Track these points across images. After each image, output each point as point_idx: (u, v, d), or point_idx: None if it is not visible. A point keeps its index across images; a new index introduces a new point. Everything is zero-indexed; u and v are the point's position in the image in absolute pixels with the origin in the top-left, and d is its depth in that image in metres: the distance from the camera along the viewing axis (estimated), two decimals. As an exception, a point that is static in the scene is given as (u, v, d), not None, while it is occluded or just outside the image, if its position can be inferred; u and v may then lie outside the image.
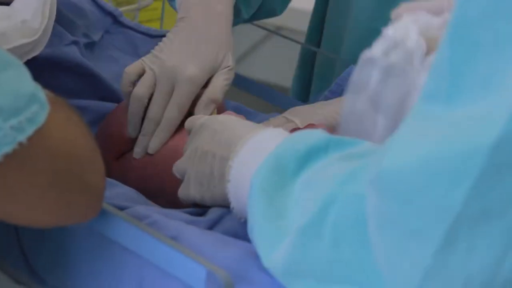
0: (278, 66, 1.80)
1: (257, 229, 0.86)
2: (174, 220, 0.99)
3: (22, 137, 0.78)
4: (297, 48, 1.64)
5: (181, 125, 1.21)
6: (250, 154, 0.94)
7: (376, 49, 0.94)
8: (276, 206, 0.84)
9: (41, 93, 0.82)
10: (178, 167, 1.07)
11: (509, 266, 0.66)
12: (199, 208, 1.09)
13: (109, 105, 1.34)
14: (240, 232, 1.02)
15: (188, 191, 1.04)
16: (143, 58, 1.24)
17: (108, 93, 1.37)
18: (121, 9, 1.60)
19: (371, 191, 0.73)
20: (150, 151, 1.20)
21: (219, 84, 1.22)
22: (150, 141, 1.20)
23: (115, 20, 1.49)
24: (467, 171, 0.64)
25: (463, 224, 0.66)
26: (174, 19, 1.35)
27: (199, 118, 1.08)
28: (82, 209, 0.90)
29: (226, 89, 1.23)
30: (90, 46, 1.42)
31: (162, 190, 1.17)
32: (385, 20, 1.42)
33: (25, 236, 1.02)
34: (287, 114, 1.24)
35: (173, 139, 1.21)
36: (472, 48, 0.65)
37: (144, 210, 1.01)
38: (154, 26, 1.63)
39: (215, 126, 1.02)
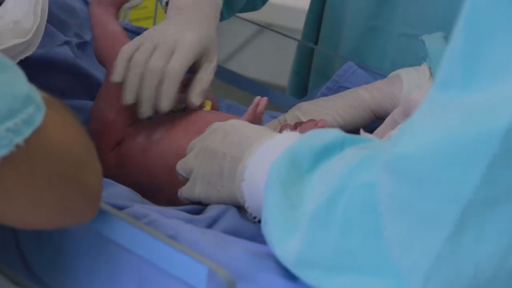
0: (268, 63, 1.80)
1: (271, 220, 0.86)
2: (173, 219, 0.98)
3: (19, 139, 0.77)
4: (287, 46, 1.63)
5: (178, 121, 1.20)
6: (266, 155, 0.93)
7: None
8: (290, 198, 0.84)
9: (37, 94, 0.80)
10: (183, 165, 1.06)
11: None
12: (196, 206, 1.08)
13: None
14: (240, 230, 1.01)
15: (193, 190, 1.04)
16: (139, 36, 1.22)
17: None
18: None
19: (384, 176, 0.73)
20: (162, 109, 1.18)
21: (207, 77, 1.22)
22: (159, 101, 1.18)
23: None
24: (480, 156, 0.64)
25: (473, 210, 0.66)
26: None
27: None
28: (80, 210, 0.89)
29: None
30: (82, 46, 1.41)
31: (160, 182, 1.17)
32: (383, 18, 1.43)
33: (23, 237, 1.01)
34: (297, 112, 1.24)
35: (171, 130, 1.20)
36: (486, 35, 0.65)
37: (142, 209, 1.00)
38: (144, 25, 1.62)
39: (225, 128, 1.03)
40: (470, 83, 0.66)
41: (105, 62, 1.26)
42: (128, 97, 1.18)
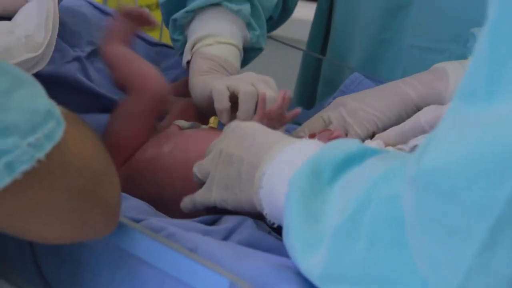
0: (273, 73, 1.80)
1: (293, 232, 0.85)
2: (191, 232, 0.98)
3: (41, 154, 0.77)
4: (290, 55, 1.63)
5: (186, 136, 1.20)
6: (285, 162, 0.93)
7: None
8: (313, 210, 0.83)
9: (57, 110, 0.80)
10: (200, 167, 1.06)
11: None
12: (210, 216, 1.07)
13: (105, 117, 1.31)
14: (256, 241, 1.01)
15: (209, 193, 1.03)
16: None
17: (106, 105, 1.36)
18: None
19: (410, 189, 0.72)
20: None
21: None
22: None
23: None
24: (510, 169, 0.64)
25: (505, 223, 0.65)
26: None
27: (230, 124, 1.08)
28: (99, 224, 0.88)
29: None
30: (94, 52, 1.41)
31: (170, 195, 1.16)
32: (394, 30, 1.44)
33: (41, 251, 1.00)
34: (343, 111, 1.23)
35: (184, 143, 1.19)
36: None
37: (159, 222, 0.99)
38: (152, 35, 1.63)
39: (243, 132, 1.03)
40: (495, 94, 0.65)
41: (124, 89, 1.25)
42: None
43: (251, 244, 1.00)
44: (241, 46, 1.33)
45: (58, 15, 1.20)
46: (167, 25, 1.39)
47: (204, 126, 1.27)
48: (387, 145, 1.05)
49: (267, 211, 0.96)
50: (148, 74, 1.23)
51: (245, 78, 1.19)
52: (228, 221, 1.04)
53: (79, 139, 0.83)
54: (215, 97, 1.19)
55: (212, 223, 1.07)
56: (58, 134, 0.79)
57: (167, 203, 1.16)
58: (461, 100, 0.69)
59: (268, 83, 1.19)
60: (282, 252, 0.99)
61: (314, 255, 0.81)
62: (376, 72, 1.41)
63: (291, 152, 0.94)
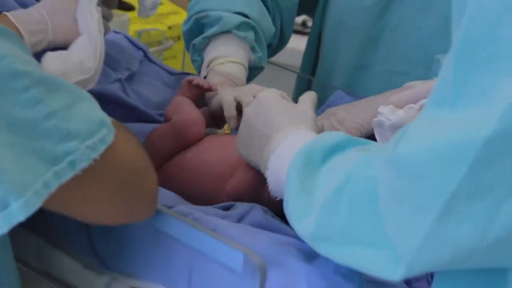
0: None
1: (291, 203, 0.86)
2: (211, 216, 0.97)
3: (96, 155, 0.77)
4: (286, 78, 1.63)
5: (206, 141, 1.20)
6: (288, 149, 0.92)
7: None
8: (306, 186, 0.84)
9: (108, 119, 0.81)
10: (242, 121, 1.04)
11: (493, 235, 0.66)
12: (225, 203, 1.07)
13: (141, 125, 1.32)
14: (264, 223, 1.00)
15: (239, 145, 1.03)
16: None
17: (142, 117, 1.35)
18: (150, 49, 1.59)
19: (385, 171, 0.73)
20: None
21: None
22: None
23: (145, 54, 1.48)
24: (464, 158, 0.65)
25: (457, 200, 0.66)
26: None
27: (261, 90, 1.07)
28: (141, 210, 0.88)
29: None
30: (131, 77, 1.41)
31: (196, 192, 1.15)
32: (368, 58, 1.44)
33: (94, 230, 1.00)
34: (333, 119, 1.22)
35: (201, 149, 1.18)
36: (472, 65, 0.66)
37: (186, 208, 0.99)
38: (173, 61, 1.62)
39: (260, 102, 1.01)
40: (459, 103, 0.67)
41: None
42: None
43: (259, 225, 0.99)
44: (247, 65, 1.34)
45: (104, 46, 1.20)
46: (188, 49, 1.40)
47: (219, 131, 1.26)
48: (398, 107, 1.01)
49: (271, 187, 0.95)
50: (191, 120, 1.20)
51: (250, 89, 1.19)
52: (240, 208, 1.03)
53: (125, 142, 0.84)
54: (225, 106, 1.19)
55: (227, 209, 1.06)
56: (109, 139, 0.79)
57: (192, 197, 1.15)
58: (431, 105, 0.70)
59: None
60: (284, 232, 1.00)
61: (306, 219, 0.82)
62: (356, 91, 1.41)
63: (294, 141, 0.93)
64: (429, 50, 1.33)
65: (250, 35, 1.33)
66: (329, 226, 0.80)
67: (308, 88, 1.58)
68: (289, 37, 1.53)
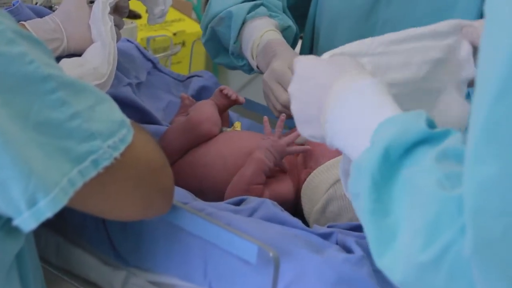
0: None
1: (365, 220, 0.70)
2: (224, 211, 0.98)
3: (117, 153, 0.77)
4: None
5: (221, 136, 1.20)
6: (346, 110, 0.79)
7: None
8: (383, 201, 0.70)
9: (127, 120, 0.81)
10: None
11: None
12: (236, 198, 1.07)
13: (153, 127, 1.33)
14: (273, 217, 1.01)
15: (293, 106, 0.86)
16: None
17: (151, 120, 1.35)
18: (158, 55, 1.60)
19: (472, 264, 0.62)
20: None
21: None
22: None
23: (154, 65, 1.49)
24: None
25: None
26: (198, 63, 1.38)
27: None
28: (159, 205, 0.88)
29: None
30: (138, 85, 1.42)
31: (209, 186, 1.15)
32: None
33: (111, 227, 1.00)
34: None
35: (217, 147, 1.19)
36: None
37: (200, 204, 0.99)
38: (178, 66, 1.62)
39: (300, 72, 0.86)
40: None
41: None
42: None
43: (270, 219, 1.00)
44: (278, 29, 1.36)
45: (116, 53, 1.21)
46: (214, 58, 1.45)
47: (229, 129, 1.26)
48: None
49: (329, 138, 0.80)
50: (206, 117, 1.22)
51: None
52: (251, 202, 1.03)
53: (143, 141, 0.84)
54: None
55: (238, 203, 1.06)
56: (129, 138, 0.79)
57: (206, 192, 1.16)
58: None
59: None
60: (292, 224, 1.00)
61: (387, 253, 0.68)
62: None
63: (356, 90, 0.79)
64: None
65: (261, 10, 1.36)
66: (422, 285, 0.66)
67: None
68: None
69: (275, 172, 1.14)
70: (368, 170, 0.70)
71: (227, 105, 1.28)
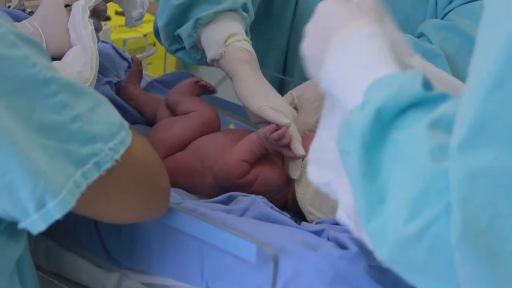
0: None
1: (356, 183, 0.68)
2: (217, 211, 0.96)
3: (117, 156, 0.75)
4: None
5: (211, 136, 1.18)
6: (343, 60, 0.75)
7: None
8: (373, 163, 0.67)
9: (125, 122, 0.79)
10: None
11: None
12: (225, 195, 1.04)
13: (136, 127, 1.30)
14: (265, 216, 0.99)
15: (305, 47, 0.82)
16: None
17: (131, 119, 1.33)
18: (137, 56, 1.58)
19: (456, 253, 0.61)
20: None
21: None
22: None
23: (129, 65, 1.47)
24: None
25: None
26: (173, 64, 1.35)
27: None
28: (156, 207, 0.86)
29: None
30: (118, 84, 1.40)
31: (197, 183, 1.12)
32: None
33: (104, 230, 0.98)
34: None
35: (206, 143, 1.16)
36: None
37: (192, 205, 0.96)
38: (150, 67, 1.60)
39: (318, 12, 0.82)
40: None
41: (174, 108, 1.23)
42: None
43: (261, 218, 0.98)
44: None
45: (98, 56, 1.18)
46: (167, 39, 1.33)
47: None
48: None
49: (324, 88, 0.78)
50: (216, 115, 1.20)
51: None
52: (242, 202, 1.01)
53: (139, 143, 0.82)
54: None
55: (226, 202, 1.03)
56: (128, 140, 0.77)
57: (192, 189, 1.13)
58: None
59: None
60: (284, 222, 0.98)
61: (374, 219, 0.66)
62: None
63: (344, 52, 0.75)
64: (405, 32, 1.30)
65: (250, 15, 1.28)
66: (404, 256, 0.65)
67: (282, 86, 1.56)
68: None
69: (271, 155, 1.12)
70: (359, 131, 0.67)
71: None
